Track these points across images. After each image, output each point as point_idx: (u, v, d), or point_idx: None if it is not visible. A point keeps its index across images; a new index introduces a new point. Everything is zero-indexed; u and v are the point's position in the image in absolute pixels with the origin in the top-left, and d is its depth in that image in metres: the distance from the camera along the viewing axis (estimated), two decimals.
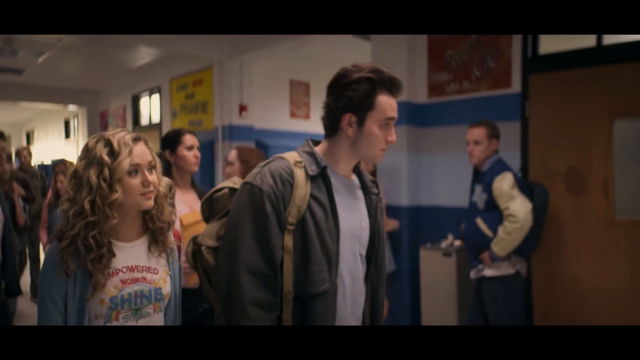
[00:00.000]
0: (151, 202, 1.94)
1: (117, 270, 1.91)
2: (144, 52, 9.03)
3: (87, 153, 1.88)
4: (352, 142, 2.09)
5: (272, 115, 8.71)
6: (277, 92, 8.90)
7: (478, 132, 4.18)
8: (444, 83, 5.45)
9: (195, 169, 3.41)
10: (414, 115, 5.57)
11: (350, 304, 2.11)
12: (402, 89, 2.12)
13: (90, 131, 13.18)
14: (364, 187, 2.23)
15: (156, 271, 2.01)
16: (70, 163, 10.86)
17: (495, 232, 4.03)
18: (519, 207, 3.93)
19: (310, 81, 9.29)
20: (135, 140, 1.91)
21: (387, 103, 2.05)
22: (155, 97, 10.62)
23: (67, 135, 14.87)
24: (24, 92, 12.25)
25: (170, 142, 3.39)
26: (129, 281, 1.93)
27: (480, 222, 4.12)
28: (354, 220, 2.13)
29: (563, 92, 4.67)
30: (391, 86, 2.06)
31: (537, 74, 4.83)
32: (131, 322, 1.92)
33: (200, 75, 9.00)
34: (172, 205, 2.99)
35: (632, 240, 4.29)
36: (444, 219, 5.35)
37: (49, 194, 5.95)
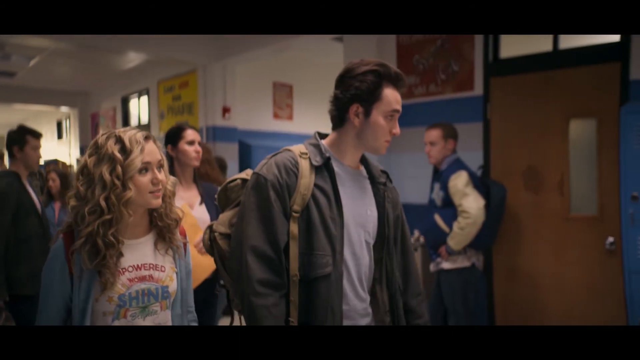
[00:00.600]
0: (159, 201, 1.93)
1: (124, 269, 1.90)
2: (132, 55, 9.16)
3: (98, 149, 1.85)
4: (358, 132, 2.14)
5: (255, 116, 8.86)
6: (260, 94, 9.05)
7: (433, 134, 4.37)
8: (411, 86, 5.61)
9: (196, 163, 3.46)
10: None
11: (354, 288, 2.17)
12: (406, 84, 2.18)
13: (82, 132, 13.35)
14: (372, 178, 2.27)
15: (163, 269, 2.00)
16: (63, 163, 11.00)
17: (451, 227, 4.22)
18: (471, 204, 4.12)
19: (294, 83, 9.44)
20: (146, 138, 1.91)
21: (392, 96, 2.11)
22: (144, 99, 10.77)
23: (60, 136, 15.00)
24: (18, 94, 12.36)
25: (172, 137, 3.45)
26: (136, 279, 1.91)
27: (438, 218, 4.31)
28: (359, 209, 2.19)
29: (522, 95, 4.85)
30: (396, 80, 2.12)
31: (498, 78, 5.01)
32: (139, 320, 1.91)
33: (186, 77, 9.15)
34: None
35: (585, 234, 4.47)
36: (412, 216, 5.50)
37: None
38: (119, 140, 1.84)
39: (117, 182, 1.80)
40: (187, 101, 9.17)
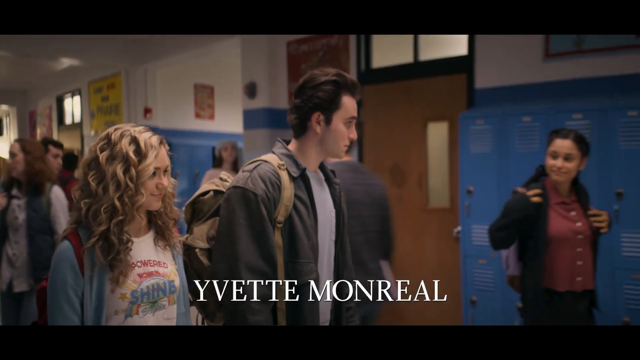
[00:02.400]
0: (159, 203, 1.88)
1: (133, 265, 1.84)
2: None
3: (110, 145, 1.78)
4: (320, 139, 2.17)
5: (177, 116, 9.13)
6: (182, 95, 9.31)
7: None
8: None
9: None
10: (276, 119, 6.20)
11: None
12: (361, 93, 2.25)
13: (21, 129, 13.50)
14: (328, 179, 2.32)
15: (165, 265, 1.94)
16: (4, 160, 11.10)
17: None
18: None
19: (215, 84, 9.75)
20: (160, 143, 1.85)
21: (350, 103, 2.14)
22: (77, 99, 10.96)
23: (1, 132, 15.05)
24: None
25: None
26: (145, 275, 1.86)
27: None
28: (325, 212, 2.23)
29: (389, 101, 5.32)
30: (353, 89, 2.15)
31: (370, 85, 5.46)
32: (149, 315, 1.86)
33: (112, 79, 9.39)
34: None
35: (439, 224, 4.97)
36: None
37: None
38: (134, 140, 1.78)
39: (130, 184, 1.74)
40: (114, 102, 9.41)
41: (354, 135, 2.19)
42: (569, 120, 3.83)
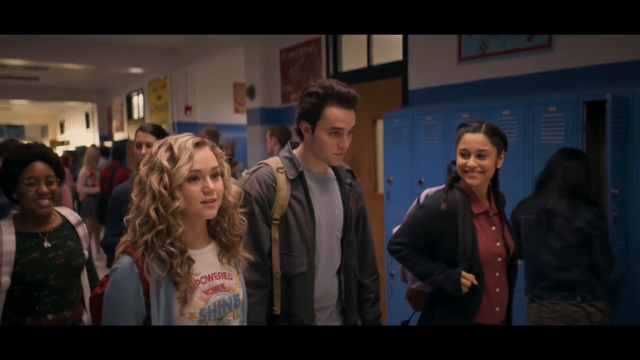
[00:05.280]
0: (213, 212, 1.71)
1: (198, 281, 1.71)
2: None
3: (151, 158, 1.68)
4: (310, 145, 2.25)
5: (216, 112, 10.06)
6: (223, 92, 10.26)
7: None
8: (289, 93, 6.82)
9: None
10: (270, 117, 7.00)
11: (327, 277, 2.34)
12: (355, 103, 2.22)
13: (101, 122, 15.17)
14: (339, 179, 2.37)
15: (230, 276, 1.82)
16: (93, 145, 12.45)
17: None
18: None
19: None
20: (198, 145, 1.70)
21: (334, 115, 2.15)
22: (141, 97, 12.25)
23: (88, 125, 16.81)
24: (51, 93, 14.49)
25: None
26: (210, 291, 1.74)
27: None
28: (329, 210, 2.31)
29: None
30: (340, 99, 2.15)
31: None
32: None
33: (164, 81, 10.51)
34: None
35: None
36: None
37: None
38: (169, 148, 1.67)
39: (164, 191, 1.62)
40: (165, 101, 10.52)
41: (344, 144, 2.20)
42: (459, 119, 4.05)
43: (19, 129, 22.96)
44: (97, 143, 13.25)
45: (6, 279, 2.29)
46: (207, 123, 9.63)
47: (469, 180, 2.43)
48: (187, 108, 9.66)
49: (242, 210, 1.84)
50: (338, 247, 2.35)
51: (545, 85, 4.03)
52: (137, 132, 3.41)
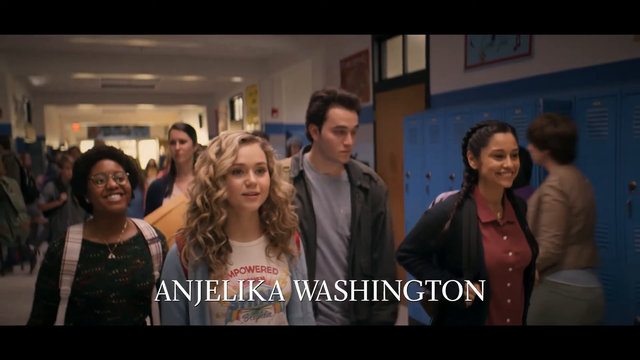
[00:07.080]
0: (255, 204, 1.77)
1: (236, 271, 1.78)
2: None
3: (204, 152, 1.78)
4: (319, 146, 2.32)
5: (300, 114, 10.84)
6: (305, 97, 11.15)
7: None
8: None
9: (178, 159, 3.50)
10: None
11: (329, 266, 2.38)
12: (355, 104, 2.31)
13: (210, 123, 16.97)
14: (351, 182, 2.40)
15: (275, 271, 1.84)
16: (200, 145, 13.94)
17: None
18: None
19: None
20: (244, 140, 1.76)
21: (337, 115, 2.24)
22: (241, 100, 13.65)
23: (201, 125, 18.46)
24: (169, 98, 16.60)
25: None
26: (248, 281, 1.78)
27: None
28: (332, 209, 2.37)
29: (388, 104, 6.71)
30: (342, 101, 2.26)
31: (380, 92, 6.89)
32: (251, 321, 1.79)
33: (256, 86, 11.77)
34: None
35: None
36: None
37: None
38: (219, 144, 1.76)
39: (209, 182, 1.71)
40: (257, 105, 11.78)
41: (348, 141, 2.28)
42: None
43: (144, 129, 25.00)
44: (207, 142, 14.62)
45: (66, 288, 2.09)
46: (292, 124, 10.71)
47: (504, 183, 2.20)
48: (274, 110, 10.85)
49: (294, 207, 1.90)
50: (345, 244, 2.41)
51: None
52: (170, 130, 3.58)
